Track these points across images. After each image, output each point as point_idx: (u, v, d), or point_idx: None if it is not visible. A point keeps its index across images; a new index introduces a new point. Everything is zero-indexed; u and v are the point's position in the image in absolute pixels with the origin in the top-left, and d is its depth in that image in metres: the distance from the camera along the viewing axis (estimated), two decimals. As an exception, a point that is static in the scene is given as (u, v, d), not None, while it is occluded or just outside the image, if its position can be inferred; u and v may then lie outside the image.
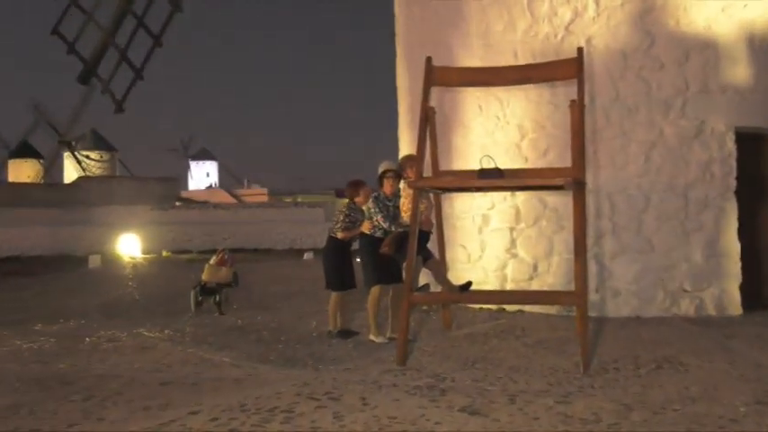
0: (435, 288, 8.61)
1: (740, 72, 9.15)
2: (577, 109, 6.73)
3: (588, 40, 9.12)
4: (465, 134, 10.12)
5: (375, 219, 7.63)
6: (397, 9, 11.87)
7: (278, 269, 17.96)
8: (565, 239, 9.09)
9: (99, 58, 25.30)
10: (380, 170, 7.77)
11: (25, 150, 57.49)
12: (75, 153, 53.06)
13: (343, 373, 6.32)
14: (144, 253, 25.26)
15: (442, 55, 8.52)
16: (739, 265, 9.12)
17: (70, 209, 29.80)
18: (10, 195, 34.64)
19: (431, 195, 7.89)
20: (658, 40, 9.12)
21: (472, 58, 9.85)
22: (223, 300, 10.08)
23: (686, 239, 9.11)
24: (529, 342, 7.55)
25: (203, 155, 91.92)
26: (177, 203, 37.72)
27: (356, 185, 7.96)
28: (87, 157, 54.68)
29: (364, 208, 7.78)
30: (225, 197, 60.36)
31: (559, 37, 9.34)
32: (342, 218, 7.88)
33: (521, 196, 9.57)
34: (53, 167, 53.29)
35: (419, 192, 7.03)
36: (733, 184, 9.18)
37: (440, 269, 8.14)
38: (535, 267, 9.56)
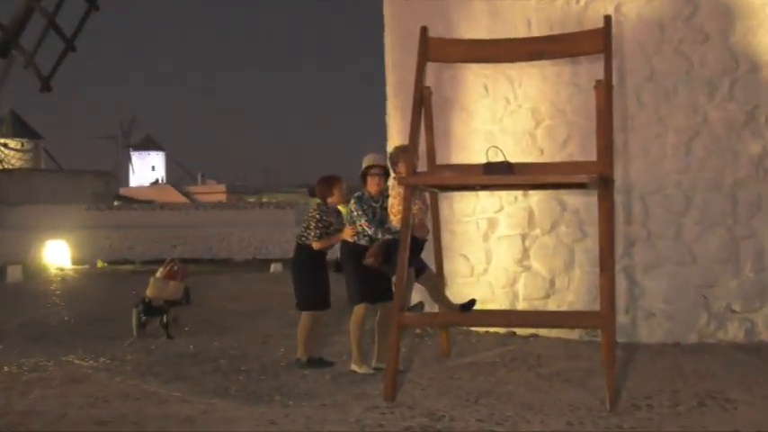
0: (431, 307, 8.62)
1: (800, 47, 9.22)
2: (604, 90, 6.76)
3: (617, 8, 9.16)
4: (467, 120, 10.15)
5: (358, 223, 7.62)
6: (385, -32, 11.88)
7: (239, 284, 17.95)
8: (588, 249, 9.12)
9: (21, 24, 25.12)
10: (364, 165, 7.77)
11: (-77, 136, 57.05)
12: (-10, 141, 52.77)
13: (319, 410, 6.31)
14: (75, 263, 25.18)
15: (439, 24, 8.51)
16: (798, 280, 9.20)
17: (-18, 209, 29.61)
18: None
19: (426, 195, 7.90)
20: (702, 8, 9.16)
21: (476, 27, 9.88)
22: (171, 321, 10.07)
23: (735, 249, 9.15)
24: (544, 373, 7.58)
25: (148, 144, 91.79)
26: (116, 203, 37.65)
27: (328, 182, 7.97)
28: (5, 145, 54.27)
29: (341, 209, 7.78)
30: (174, 195, 60.29)
31: (582, 3, 9.38)
32: (313, 224, 7.88)
33: (535, 196, 9.61)
34: (-39, 158, 52.96)
35: (411, 190, 7.04)
36: (791, 181, 9.26)
37: (436, 284, 8.15)
38: (552, 283, 9.60)
